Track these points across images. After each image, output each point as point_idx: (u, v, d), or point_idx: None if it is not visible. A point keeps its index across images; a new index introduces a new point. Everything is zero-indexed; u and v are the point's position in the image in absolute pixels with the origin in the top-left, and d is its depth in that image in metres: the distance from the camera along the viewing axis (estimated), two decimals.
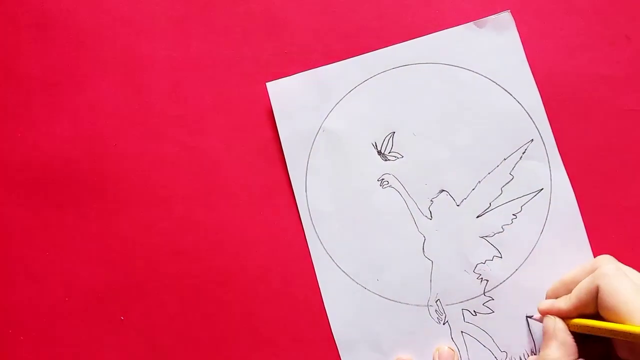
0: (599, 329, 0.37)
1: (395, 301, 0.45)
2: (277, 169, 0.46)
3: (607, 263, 0.40)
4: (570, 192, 0.44)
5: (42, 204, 0.48)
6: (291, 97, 0.46)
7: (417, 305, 0.45)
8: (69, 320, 0.47)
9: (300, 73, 0.46)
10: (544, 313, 0.41)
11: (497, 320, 0.44)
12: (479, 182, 0.45)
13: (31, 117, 0.48)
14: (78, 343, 0.46)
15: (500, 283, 0.44)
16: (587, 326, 0.38)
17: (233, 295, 0.46)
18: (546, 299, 0.43)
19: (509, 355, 0.44)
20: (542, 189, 0.45)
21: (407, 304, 0.45)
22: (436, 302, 0.44)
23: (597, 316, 0.38)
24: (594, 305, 0.38)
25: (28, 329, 0.47)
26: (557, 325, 0.40)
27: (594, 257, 0.44)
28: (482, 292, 0.44)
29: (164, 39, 0.48)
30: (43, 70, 0.48)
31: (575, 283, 0.40)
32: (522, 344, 0.44)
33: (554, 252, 0.44)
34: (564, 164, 0.44)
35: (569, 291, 0.41)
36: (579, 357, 0.39)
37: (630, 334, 0.34)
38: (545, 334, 0.40)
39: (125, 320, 0.46)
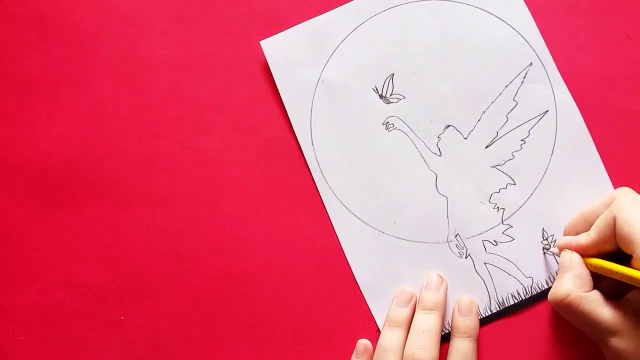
0: (616, 272, 0.36)
1: (415, 241, 0.45)
2: (277, 167, 0.46)
3: (625, 194, 0.39)
4: (576, 109, 0.45)
5: (42, 204, 0.47)
6: (286, 52, 0.46)
7: (437, 243, 0.45)
8: (69, 320, 0.47)
9: (293, 27, 0.46)
10: (563, 248, 0.41)
11: (519, 247, 0.44)
12: (484, 112, 0.45)
13: (31, 117, 0.48)
14: (78, 343, 0.46)
15: (517, 209, 0.44)
16: (604, 268, 0.38)
17: (233, 295, 0.46)
18: (564, 234, 0.43)
19: (535, 280, 0.44)
20: (547, 110, 0.45)
21: (427, 242, 0.45)
22: (455, 237, 0.45)
23: (616, 257, 0.38)
24: (614, 241, 0.38)
25: (28, 329, 0.47)
26: (574, 258, 0.40)
27: (606, 172, 0.44)
28: (500, 221, 0.45)
29: (164, 39, 0.48)
30: (43, 70, 0.48)
31: (595, 216, 0.40)
32: (547, 268, 0.44)
33: (566, 172, 0.44)
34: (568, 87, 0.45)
35: (588, 225, 0.40)
36: (593, 290, 0.38)
37: None
38: (560, 267, 0.40)
39: (125, 320, 0.46)
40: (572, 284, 0.38)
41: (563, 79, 0.45)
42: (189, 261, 0.46)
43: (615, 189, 0.44)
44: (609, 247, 0.39)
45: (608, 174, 0.44)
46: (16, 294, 0.47)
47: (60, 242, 0.47)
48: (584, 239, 0.40)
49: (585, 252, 0.40)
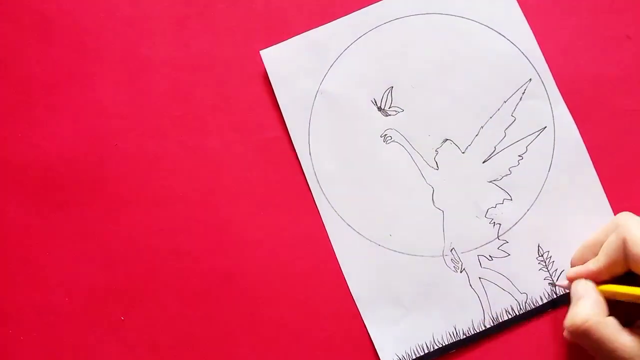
0: (631, 295, 0.36)
1: (410, 254, 0.45)
2: (277, 168, 0.46)
3: (629, 217, 0.39)
4: (574, 126, 0.44)
5: (42, 204, 0.47)
6: (286, 62, 0.46)
7: (432, 257, 0.45)
8: (69, 320, 0.47)
9: (293, 37, 0.46)
10: (574, 278, 0.41)
11: (514, 263, 0.44)
12: (482, 127, 0.45)
13: (31, 117, 0.48)
14: (78, 343, 0.46)
15: (513, 225, 0.44)
16: (618, 292, 0.38)
17: (234, 295, 0.46)
18: (572, 266, 0.43)
19: (529, 297, 0.44)
20: (546, 127, 0.45)
21: (422, 256, 0.45)
22: (451, 251, 0.44)
23: (626, 279, 0.38)
24: (623, 263, 0.38)
25: (28, 329, 0.47)
26: (588, 285, 0.39)
27: (604, 191, 0.44)
28: (496, 236, 0.44)
29: (164, 39, 0.48)
30: (43, 70, 0.48)
31: (599, 244, 0.40)
32: (541, 284, 0.44)
33: (563, 189, 0.44)
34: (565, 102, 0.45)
35: (594, 254, 0.40)
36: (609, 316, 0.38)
37: None
38: (574, 295, 0.40)
39: (126, 320, 0.46)
40: (591, 309, 0.38)
41: (562, 79, 0.45)
42: (189, 261, 0.46)
43: (607, 192, 0.44)
44: (619, 270, 0.39)
45: (608, 174, 0.44)
46: (16, 294, 0.47)
47: (60, 242, 0.47)
48: (594, 264, 0.40)
49: (596, 278, 0.40)
